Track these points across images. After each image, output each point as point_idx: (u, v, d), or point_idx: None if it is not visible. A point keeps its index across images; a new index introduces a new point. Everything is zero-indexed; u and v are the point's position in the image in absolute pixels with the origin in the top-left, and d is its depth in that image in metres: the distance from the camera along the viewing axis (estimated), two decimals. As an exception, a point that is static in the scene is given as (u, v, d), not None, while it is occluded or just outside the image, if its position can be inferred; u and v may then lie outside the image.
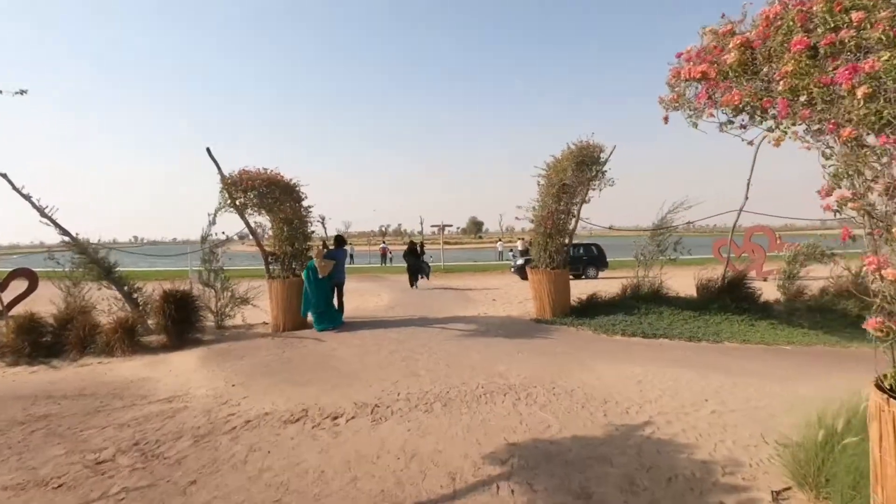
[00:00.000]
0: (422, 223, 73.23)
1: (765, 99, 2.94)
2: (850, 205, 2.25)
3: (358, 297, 14.18)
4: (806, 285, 9.80)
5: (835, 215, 2.36)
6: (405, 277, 17.86)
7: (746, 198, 9.14)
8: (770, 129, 3.40)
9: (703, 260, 14.35)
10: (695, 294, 9.96)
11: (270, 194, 8.75)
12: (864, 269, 2.22)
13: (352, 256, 34.05)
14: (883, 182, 2.13)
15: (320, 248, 9.30)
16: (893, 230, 2.02)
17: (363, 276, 22.64)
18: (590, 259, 20.43)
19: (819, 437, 3.01)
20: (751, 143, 3.60)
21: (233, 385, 5.84)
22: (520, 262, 20.68)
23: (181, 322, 8.10)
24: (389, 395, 5.27)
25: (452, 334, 8.35)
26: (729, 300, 9.33)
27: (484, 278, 20.88)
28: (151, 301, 8.56)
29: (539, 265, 9.71)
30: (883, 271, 1.94)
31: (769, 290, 10.07)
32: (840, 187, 2.41)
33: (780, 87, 2.72)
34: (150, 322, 8.46)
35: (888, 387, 2.17)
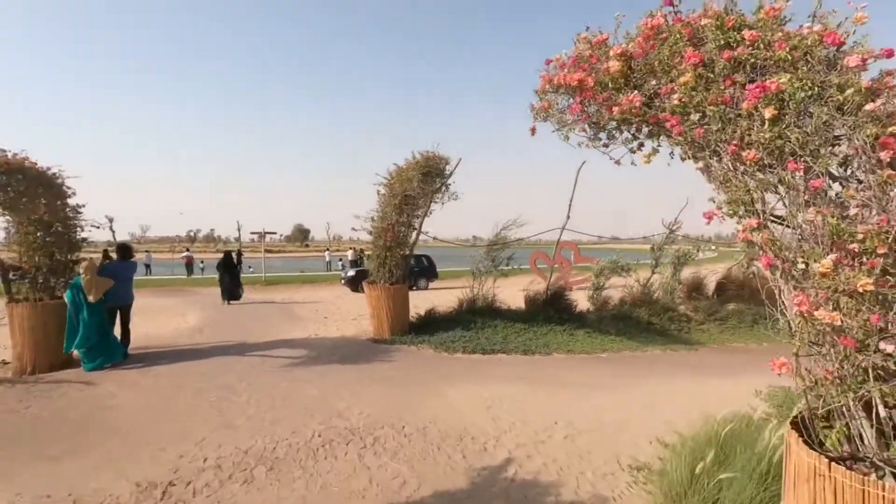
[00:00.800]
0: (239, 229, 66.37)
1: (651, 115, 2.71)
2: (755, 235, 2.04)
3: (154, 318, 11.53)
4: (610, 296, 11.04)
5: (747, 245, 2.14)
6: (218, 291, 15.33)
7: (568, 217, 9.89)
8: (641, 146, 3.28)
9: (528, 270, 15.37)
10: (523, 306, 10.39)
11: (12, 186, 6.28)
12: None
13: (149, 267, 28.63)
14: (797, 209, 1.94)
15: (92, 260, 6.97)
16: (811, 265, 1.81)
17: (164, 290, 18.89)
18: (420, 270, 20.52)
19: (696, 470, 2.88)
20: (618, 161, 3.46)
21: (-81, 476, 3.75)
22: (351, 273, 19.74)
23: None
24: (192, 462, 3.92)
25: (279, 363, 7.06)
26: (553, 311, 9.94)
27: (312, 290, 19.29)
28: None
29: (378, 280, 8.99)
30: (817, 313, 1.69)
31: (581, 300, 11.05)
32: (738, 214, 2.23)
33: (673, 102, 2.50)
34: None
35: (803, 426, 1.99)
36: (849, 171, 1.96)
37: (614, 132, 3.32)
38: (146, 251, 33.39)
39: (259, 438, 4.36)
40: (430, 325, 9.43)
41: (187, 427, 4.66)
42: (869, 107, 1.83)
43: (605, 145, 3.39)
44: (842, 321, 1.68)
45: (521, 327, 9.26)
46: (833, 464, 1.64)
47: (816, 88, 2.00)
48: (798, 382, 1.87)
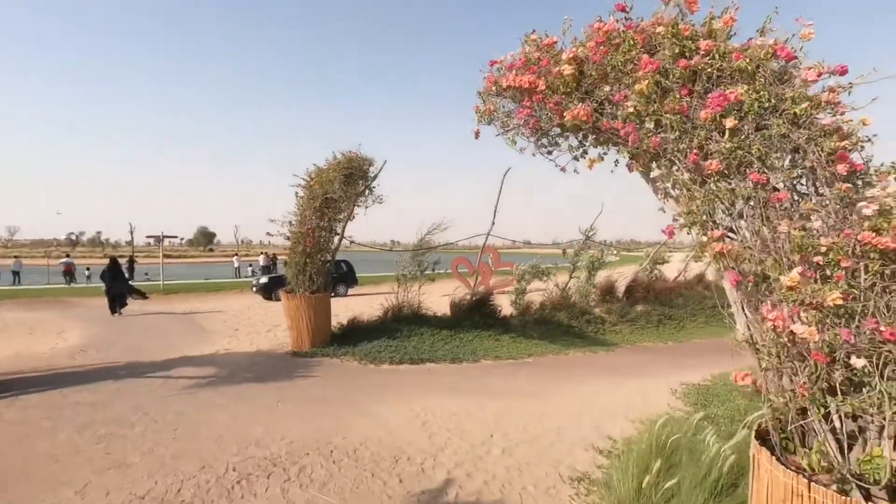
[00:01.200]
0: (132, 232, 60.13)
1: (604, 121, 2.63)
2: (716, 245, 1.99)
3: (24, 335, 9.84)
4: (532, 300, 11.27)
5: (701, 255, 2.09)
6: (105, 303, 13.47)
7: (493, 223, 9.94)
8: (585, 153, 3.22)
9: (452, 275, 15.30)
10: (449, 312, 10.27)
11: None
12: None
13: (17, 275, 24.76)
14: (760, 221, 1.92)
15: None
16: (782, 278, 1.78)
17: (38, 301, 16.24)
18: (339, 276, 19.71)
19: (644, 483, 2.83)
20: (563, 168, 3.38)
21: None
22: (263, 279, 18.46)
23: None
24: (71, 518, 3.22)
25: (183, 386, 6.23)
26: (478, 317, 9.92)
27: (219, 299, 17.69)
28: None
29: (297, 289, 8.36)
30: (793, 327, 1.64)
31: (505, 305, 11.16)
32: (696, 224, 2.18)
33: (627, 110, 2.42)
34: None
35: (767, 437, 1.97)
36: (806, 184, 1.97)
37: (558, 139, 3.24)
38: (14, 257, 28.83)
39: (159, 479, 3.72)
40: (354, 334, 8.97)
41: (66, 470, 3.87)
42: (826, 120, 1.84)
43: (549, 152, 3.30)
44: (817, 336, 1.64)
45: (448, 334, 9.12)
46: (813, 484, 1.60)
47: (773, 101, 1.99)
48: (773, 398, 1.82)
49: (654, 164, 2.43)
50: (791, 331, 1.65)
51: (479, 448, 4.41)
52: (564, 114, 2.78)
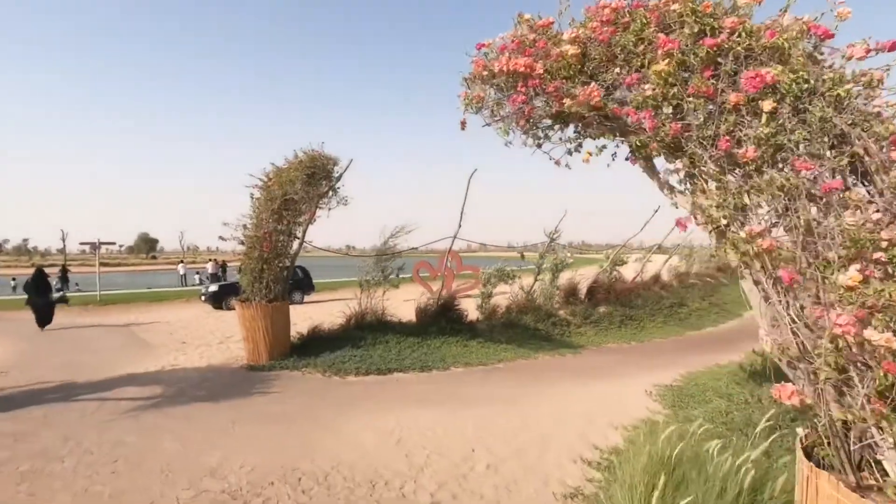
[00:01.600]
0: (64, 238, 55.86)
1: (613, 107, 2.38)
2: (762, 242, 1.77)
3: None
4: (498, 304, 11.07)
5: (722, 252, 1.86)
6: (32, 316, 12.10)
7: (460, 225, 9.65)
8: (580, 146, 2.98)
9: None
10: (414, 318, 9.89)
11: None
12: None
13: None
14: (805, 214, 1.70)
15: None
16: (834, 276, 1.57)
17: (-51, 317, 14.51)
18: (295, 283, 18.84)
19: (654, 501, 2.59)
20: (557, 162, 3.12)
21: None
22: (213, 288, 17.35)
23: None
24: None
25: (123, 409, 5.52)
26: (445, 322, 9.60)
27: (164, 310, 16.42)
28: None
29: (252, 298, 7.73)
30: (866, 334, 1.42)
31: (471, 309, 10.89)
32: (723, 219, 1.96)
33: (644, 93, 2.18)
34: None
35: (817, 454, 1.75)
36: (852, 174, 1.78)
37: (547, 130, 2.99)
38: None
39: (94, 525, 3.15)
40: (315, 345, 8.41)
41: (-26, 522, 3.22)
42: (877, 101, 1.65)
43: (539, 144, 3.04)
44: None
45: (415, 341, 8.74)
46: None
47: (812, 82, 1.79)
48: (836, 412, 1.60)
49: (659, 156, 2.20)
50: (863, 338, 1.43)
51: (461, 465, 4.08)
52: (564, 100, 2.52)
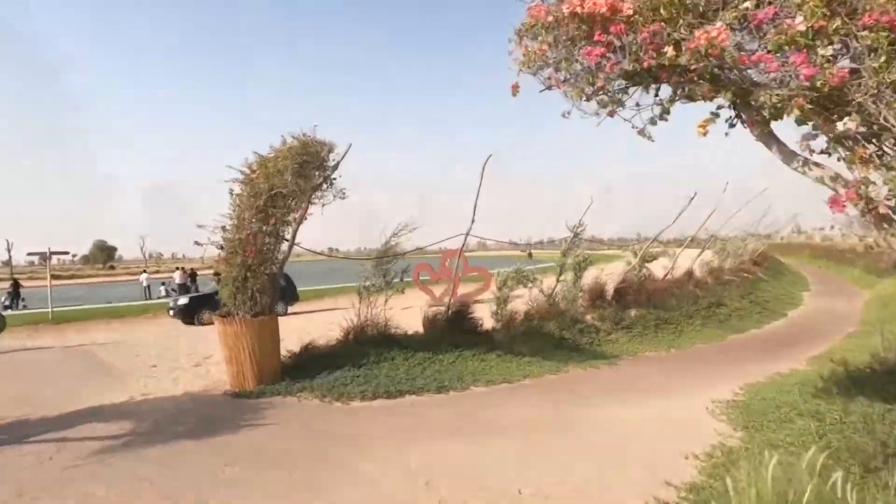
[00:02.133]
0: (10, 249, 54.70)
1: (740, 55, 2.02)
2: None
3: None
4: (516, 309, 10.70)
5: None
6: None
7: (473, 220, 9.28)
8: (665, 112, 2.62)
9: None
10: (421, 329, 9.52)
11: None
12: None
13: None
14: None
15: None
16: None
17: None
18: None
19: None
20: (641, 131, 2.76)
21: None
22: (182, 300, 16.90)
23: None
24: None
25: (89, 451, 5.06)
26: (458, 333, 9.24)
27: (127, 327, 15.88)
28: None
29: (235, 311, 7.31)
30: None
31: (485, 316, 10.50)
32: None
33: (796, 27, 1.81)
34: None
35: None
36: None
37: (621, 94, 2.63)
38: None
39: None
40: (309, 364, 7.98)
41: None
42: None
43: (612, 113, 2.68)
44: None
45: (425, 356, 8.36)
46: None
47: None
48: None
49: (832, 112, 1.83)
50: None
51: (510, 513, 3.72)
52: (665, 49, 2.15)
